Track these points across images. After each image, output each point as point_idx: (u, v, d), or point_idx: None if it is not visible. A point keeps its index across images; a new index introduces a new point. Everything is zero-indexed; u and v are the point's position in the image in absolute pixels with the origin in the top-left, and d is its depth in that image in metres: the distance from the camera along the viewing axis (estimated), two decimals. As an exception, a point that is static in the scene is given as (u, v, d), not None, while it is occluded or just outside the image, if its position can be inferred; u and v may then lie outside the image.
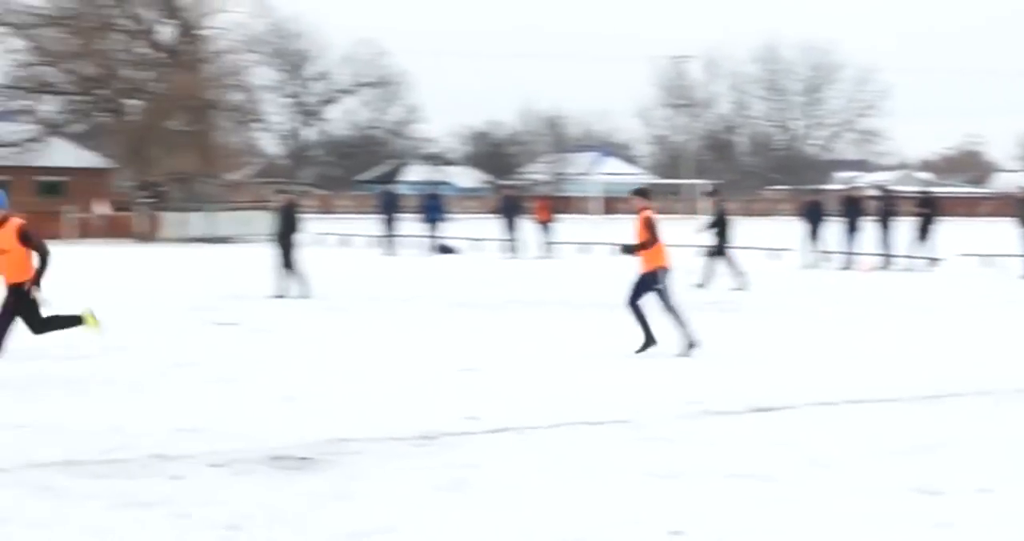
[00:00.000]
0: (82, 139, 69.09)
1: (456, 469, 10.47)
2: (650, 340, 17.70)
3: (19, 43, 65.50)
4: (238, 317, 22.85)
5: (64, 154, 66.15)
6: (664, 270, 17.95)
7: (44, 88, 66.46)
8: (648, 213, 18.14)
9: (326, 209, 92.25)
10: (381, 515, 9.05)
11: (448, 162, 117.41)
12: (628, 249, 18.53)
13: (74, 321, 15.52)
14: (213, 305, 25.15)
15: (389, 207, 47.97)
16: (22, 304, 15.04)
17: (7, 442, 11.45)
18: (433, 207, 46.98)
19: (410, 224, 48.43)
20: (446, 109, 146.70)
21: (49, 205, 61.93)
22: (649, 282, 17.93)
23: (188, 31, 66.29)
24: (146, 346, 18.69)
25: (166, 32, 67.29)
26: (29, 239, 14.99)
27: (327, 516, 9.02)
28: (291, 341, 19.62)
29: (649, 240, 17.92)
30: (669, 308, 17.82)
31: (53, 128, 66.47)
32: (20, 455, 10.86)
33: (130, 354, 17.75)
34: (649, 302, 17.93)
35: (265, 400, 13.91)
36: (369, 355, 17.84)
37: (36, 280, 14.97)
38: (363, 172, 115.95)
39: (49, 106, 67.43)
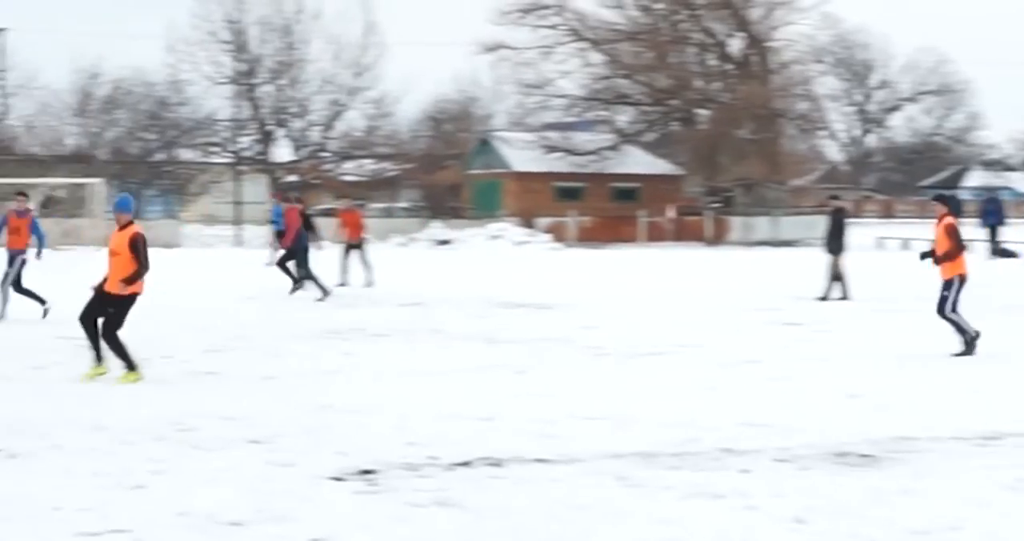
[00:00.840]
0: (652, 147, 70.79)
1: (1020, 470, 10.42)
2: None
3: (597, 57, 67.84)
4: (802, 317, 23.16)
5: (637, 162, 67.83)
6: (961, 278, 17.85)
7: (620, 99, 68.57)
8: (950, 220, 17.90)
9: (887, 214, 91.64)
10: (945, 513, 9.13)
11: (1009, 168, 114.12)
12: (927, 256, 18.20)
13: (128, 363, 14.92)
14: (778, 305, 25.55)
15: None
16: (115, 306, 14.90)
17: (587, 433, 12.09)
18: (992, 212, 46.04)
19: (970, 228, 47.43)
20: (1007, 115, 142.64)
21: (623, 210, 63.95)
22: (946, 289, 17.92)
23: (757, 43, 66.96)
24: (715, 344, 19.23)
25: (735, 44, 68.23)
26: (136, 248, 14.91)
27: (890, 512, 9.16)
28: (853, 340, 19.75)
29: (953, 249, 17.78)
30: (945, 313, 17.87)
31: (627, 137, 68.43)
32: (599, 446, 11.45)
33: (701, 351, 18.31)
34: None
35: (828, 397, 14.15)
36: (928, 355, 17.78)
37: (127, 280, 14.81)
38: (924, 178, 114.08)
39: (624, 116, 69.51)
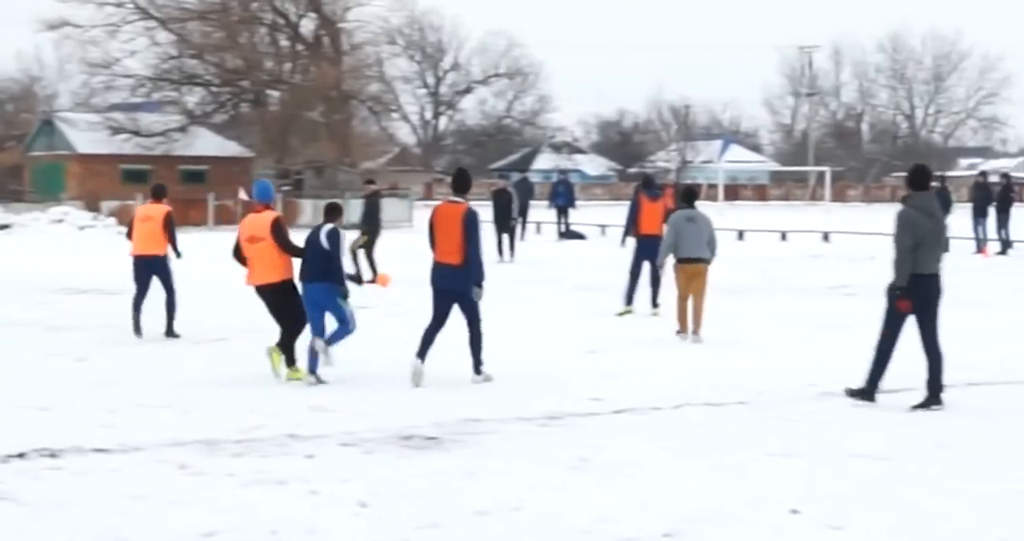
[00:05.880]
0: (223, 129, 69.88)
1: (580, 449, 10.66)
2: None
3: (166, 36, 66.55)
4: (373, 301, 23.03)
5: (206, 143, 66.87)
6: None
7: (189, 80, 67.47)
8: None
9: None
10: (506, 493, 9.29)
11: (577, 150, 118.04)
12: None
13: (291, 358, 14.55)
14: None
15: (523, 195, 48.15)
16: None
17: (149, 422, 11.84)
18: (561, 193, 47.09)
19: (540, 211, 48.50)
20: (576, 98, 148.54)
21: (192, 193, 63.02)
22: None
23: (329, 24, 66.86)
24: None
25: (307, 25, 68.00)
26: (278, 232, 14.54)
27: (453, 493, 9.27)
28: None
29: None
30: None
31: (196, 118, 67.40)
32: (161, 434, 11.22)
33: (253, 336, 17.98)
34: None
35: (394, 381, 14.09)
36: (499, 338, 17.93)
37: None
38: (496, 160, 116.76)
39: (193, 97, 68.45)
